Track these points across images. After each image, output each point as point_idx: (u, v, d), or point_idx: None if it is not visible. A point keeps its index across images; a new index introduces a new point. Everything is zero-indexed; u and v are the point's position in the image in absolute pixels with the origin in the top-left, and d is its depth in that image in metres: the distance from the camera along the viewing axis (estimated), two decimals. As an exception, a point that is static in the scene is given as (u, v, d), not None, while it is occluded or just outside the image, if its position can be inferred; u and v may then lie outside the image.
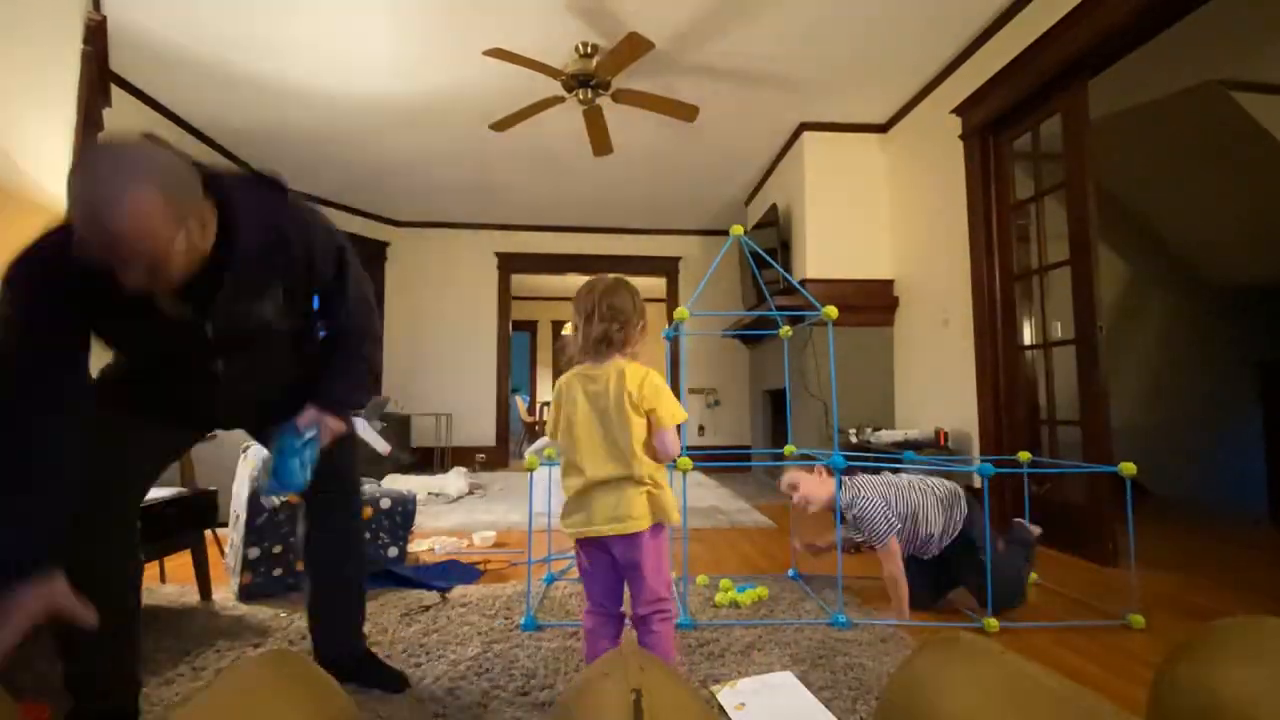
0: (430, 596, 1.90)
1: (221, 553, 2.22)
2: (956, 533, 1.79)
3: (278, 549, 1.92)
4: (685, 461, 1.71)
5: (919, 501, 1.81)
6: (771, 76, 3.43)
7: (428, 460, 5.75)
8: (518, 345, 9.37)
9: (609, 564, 1.20)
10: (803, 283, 3.94)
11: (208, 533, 1.90)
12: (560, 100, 3.31)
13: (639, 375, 1.18)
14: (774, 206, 4.32)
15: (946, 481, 1.88)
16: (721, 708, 1.22)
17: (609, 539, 1.16)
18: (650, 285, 8.38)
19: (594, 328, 1.20)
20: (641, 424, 1.18)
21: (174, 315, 1.00)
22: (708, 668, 1.41)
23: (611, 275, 1.29)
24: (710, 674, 1.38)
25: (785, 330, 2.45)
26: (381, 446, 4.26)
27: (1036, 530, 1.98)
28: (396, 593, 1.93)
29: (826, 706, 1.21)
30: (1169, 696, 0.62)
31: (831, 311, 1.96)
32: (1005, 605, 1.73)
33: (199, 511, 1.81)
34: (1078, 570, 2.30)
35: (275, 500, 1.17)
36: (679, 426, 1.21)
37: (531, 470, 1.77)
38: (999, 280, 3.00)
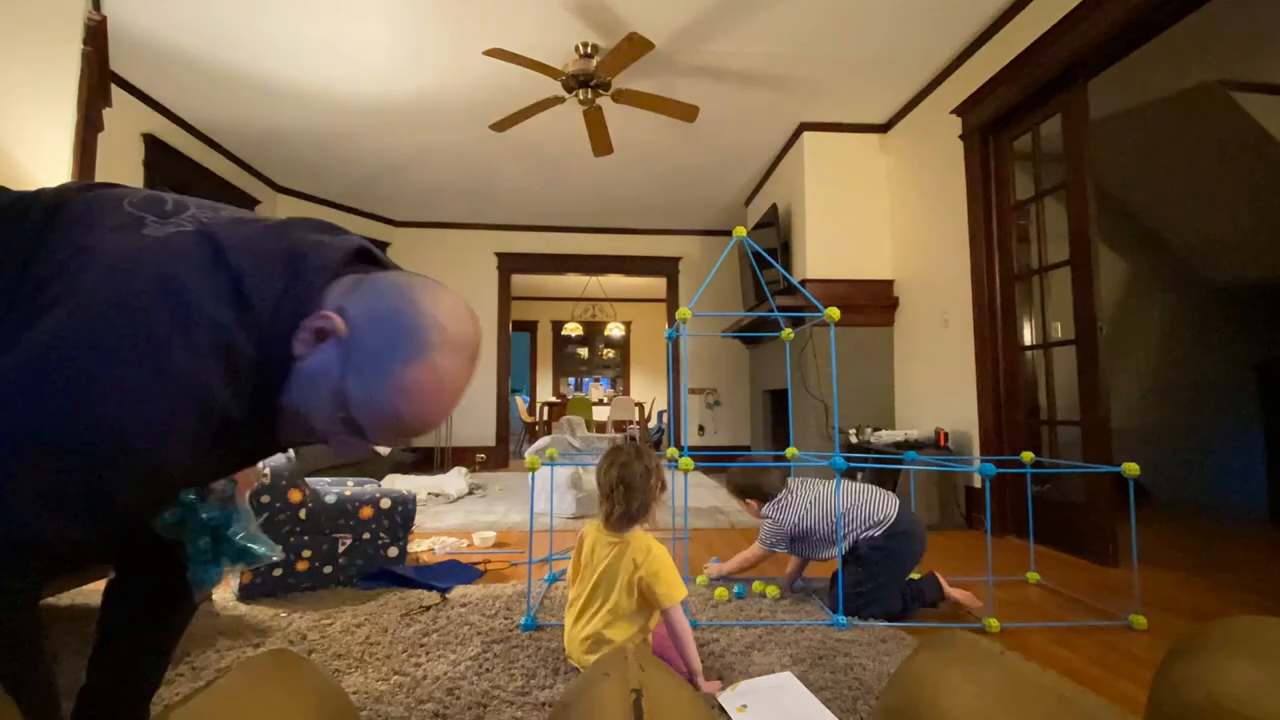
0: (430, 596, 1.90)
1: (222, 553, 2.22)
2: (848, 549, 1.82)
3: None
4: (686, 462, 1.71)
5: (819, 519, 1.85)
6: (772, 76, 3.43)
7: (428, 460, 5.75)
8: (517, 345, 9.37)
9: None
10: (802, 283, 3.95)
11: (208, 533, 1.90)
12: (560, 100, 3.31)
13: (644, 558, 1.33)
14: (774, 206, 4.32)
15: (877, 512, 1.83)
16: (722, 708, 1.22)
17: None
18: (650, 285, 8.40)
19: (615, 507, 1.36)
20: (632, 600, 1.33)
21: None
22: (708, 668, 1.41)
23: (628, 445, 1.43)
24: (710, 674, 1.38)
25: (787, 333, 2.45)
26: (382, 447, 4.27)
27: (947, 595, 1.88)
28: (396, 593, 1.93)
29: (826, 706, 1.21)
30: (1168, 696, 0.62)
31: (834, 313, 1.96)
32: (851, 612, 1.74)
33: (199, 511, 1.81)
34: (1078, 570, 2.30)
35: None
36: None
37: (533, 470, 1.77)
38: (999, 280, 3.01)
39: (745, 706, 1.22)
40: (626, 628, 1.33)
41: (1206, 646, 0.62)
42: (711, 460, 4.61)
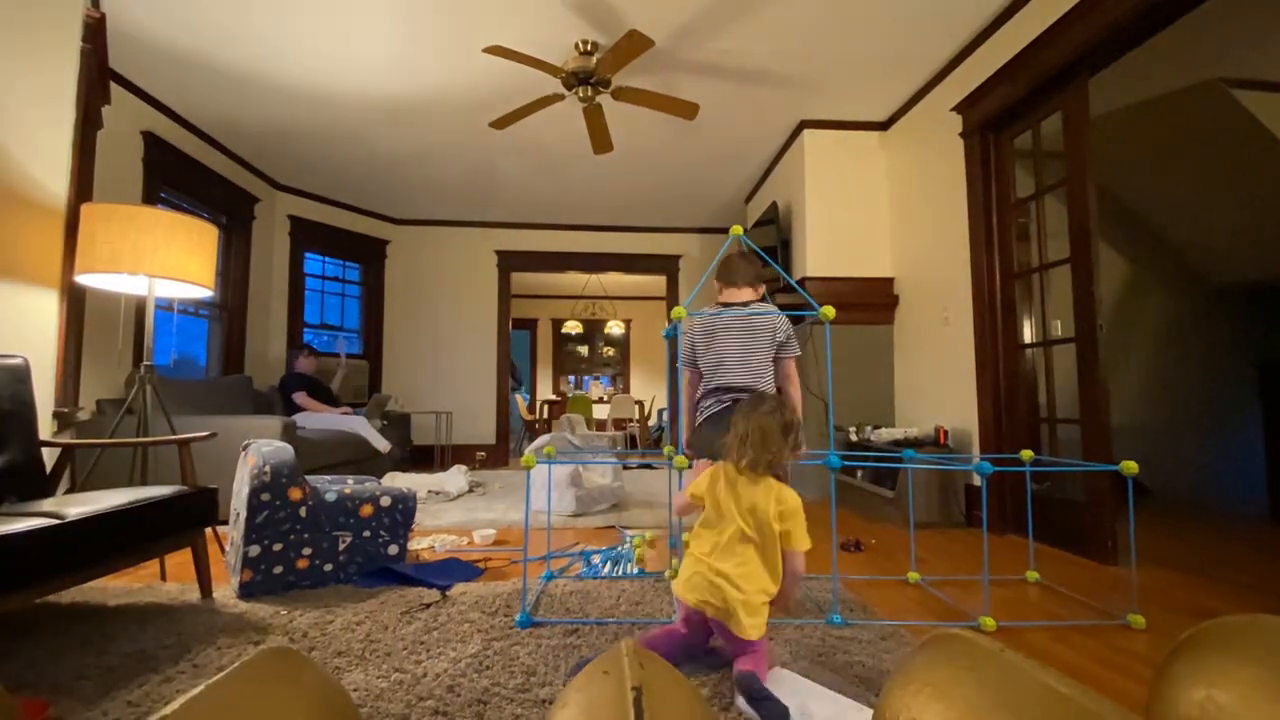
0: (431, 594, 1.90)
1: (222, 550, 2.22)
2: None
3: (278, 546, 1.92)
4: (681, 460, 1.71)
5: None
6: (772, 74, 3.42)
7: (428, 458, 5.75)
8: (517, 343, 9.37)
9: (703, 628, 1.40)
10: (803, 280, 3.95)
11: (208, 530, 1.90)
12: (560, 98, 3.30)
13: (786, 500, 1.41)
14: (774, 204, 4.31)
15: None
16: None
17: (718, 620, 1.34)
18: (651, 283, 8.39)
19: (748, 452, 1.42)
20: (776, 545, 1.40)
21: None
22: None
23: (771, 399, 1.49)
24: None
25: (785, 329, 2.45)
26: (381, 444, 4.27)
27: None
28: (397, 590, 1.94)
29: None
30: (1169, 693, 0.62)
31: (829, 311, 1.95)
32: None
33: (199, 509, 1.81)
34: (1078, 568, 2.30)
35: None
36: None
37: (529, 468, 1.77)
38: (999, 278, 3.00)
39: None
40: (764, 578, 1.37)
41: (1207, 644, 0.62)
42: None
